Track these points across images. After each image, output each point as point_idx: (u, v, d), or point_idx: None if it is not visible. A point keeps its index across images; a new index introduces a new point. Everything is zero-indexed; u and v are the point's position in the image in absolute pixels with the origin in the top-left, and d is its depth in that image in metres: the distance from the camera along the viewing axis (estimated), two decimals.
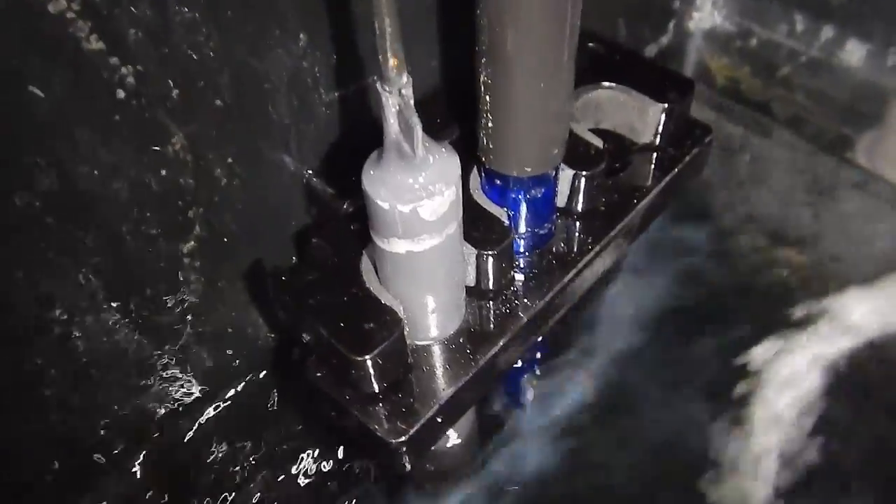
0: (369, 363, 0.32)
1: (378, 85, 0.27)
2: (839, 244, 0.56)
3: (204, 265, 0.36)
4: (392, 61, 0.27)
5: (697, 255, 0.57)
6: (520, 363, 0.51)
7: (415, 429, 0.33)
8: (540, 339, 0.41)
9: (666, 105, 0.41)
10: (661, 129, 0.42)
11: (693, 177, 0.45)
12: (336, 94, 0.37)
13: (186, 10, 0.29)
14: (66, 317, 0.32)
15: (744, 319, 0.55)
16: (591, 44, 0.45)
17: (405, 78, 0.27)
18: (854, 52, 0.56)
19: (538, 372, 0.50)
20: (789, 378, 0.52)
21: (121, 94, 0.29)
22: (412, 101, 0.27)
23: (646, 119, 0.42)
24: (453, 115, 0.42)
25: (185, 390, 0.41)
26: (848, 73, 0.57)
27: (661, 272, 0.55)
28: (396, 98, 0.27)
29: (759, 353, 0.53)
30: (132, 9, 0.27)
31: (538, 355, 0.51)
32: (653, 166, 0.44)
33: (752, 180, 0.61)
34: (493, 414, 0.51)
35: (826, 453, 0.49)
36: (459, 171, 0.30)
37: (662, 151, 0.43)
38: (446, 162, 0.29)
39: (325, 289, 0.34)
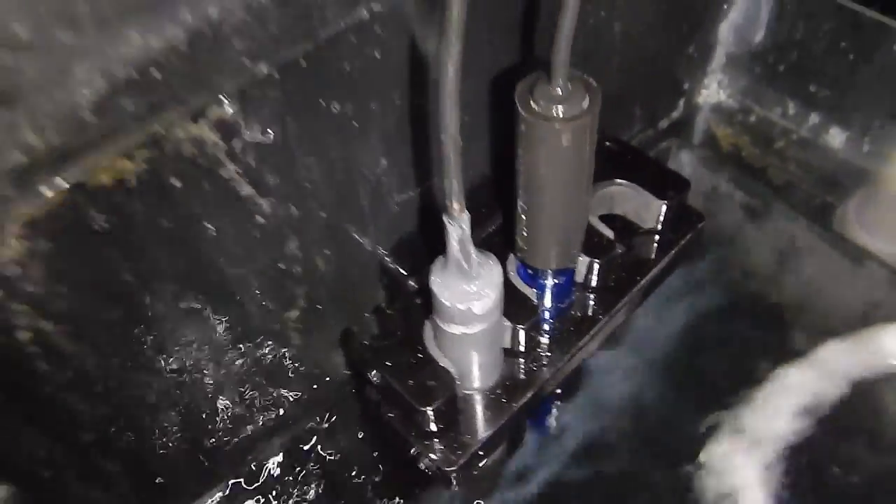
0: (430, 412, 0.43)
1: (444, 218, 0.38)
2: (812, 298, 0.66)
3: (303, 327, 0.48)
4: (457, 206, 0.37)
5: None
6: None
7: (463, 460, 0.45)
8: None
9: (666, 202, 0.52)
10: (661, 218, 0.53)
11: (689, 254, 0.56)
12: (405, 195, 0.48)
13: (306, 156, 0.40)
14: (204, 359, 0.44)
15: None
16: (608, 143, 0.55)
17: (465, 216, 0.38)
18: (836, 137, 0.65)
19: (558, 404, 0.61)
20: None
21: (260, 220, 0.40)
22: (469, 233, 0.38)
23: (650, 210, 0.53)
24: (497, 203, 0.52)
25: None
26: (831, 153, 0.66)
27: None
28: (458, 230, 0.38)
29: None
30: (273, 164, 0.38)
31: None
32: (655, 245, 0.54)
33: (742, 238, 0.70)
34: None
35: None
36: (502, 279, 0.41)
37: (663, 235, 0.54)
38: (492, 273, 0.40)
39: (397, 352, 0.45)
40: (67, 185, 0.31)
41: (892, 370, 0.59)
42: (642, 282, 0.52)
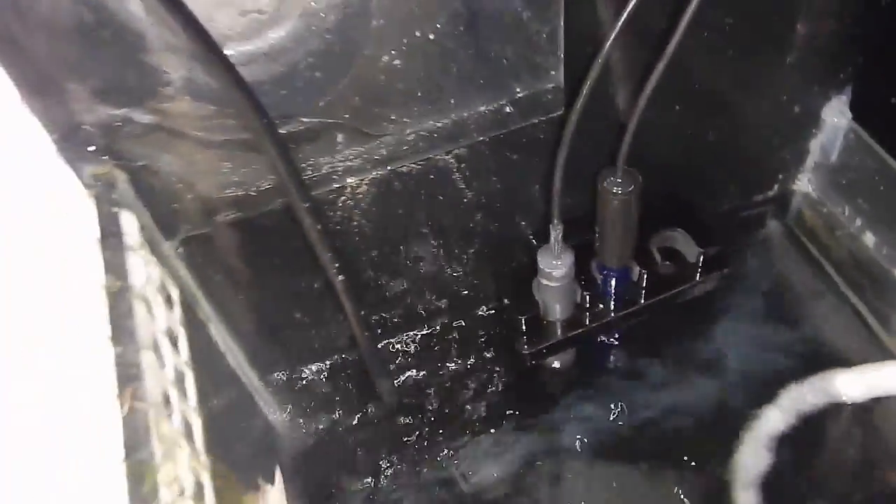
0: (522, 320, 0.83)
1: (551, 226, 0.77)
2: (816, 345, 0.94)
3: (475, 259, 0.89)
4: (556, 220, 0.75)
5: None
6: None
7: (533, 349, 0.84)
8: (614, 335, 0.89)
9: (703, 250, 0.85)
10: (700, 259, 0.86)
11: (713, 284, 0.88)
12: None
13: (494, 176, 0.80)
14: (420, 260, 0.87)
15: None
16: (680, 204, 0.89)
17: (559, 226, 0.76)
18: (870, 239, 0.92)
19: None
20: None
21: (464, 199, 0.81)
22: (560, 234, 0.76)
23: (693, 252, 0.86)
24: (591, 226, 0.89)
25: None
26: (866, 249, 0.93)
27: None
28: (554, 232, 0.76)
29: None
30: (477, 176, 0.79)
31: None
32: (698, 271, 0.88)
33: (796, 289, 0.99)
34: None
35: None
36: (573, 261, 0.79)
37: (701, 270, 0.87)
38: (569, 258, 0.78)
39: (518, 289, 0.85)
40: (389, 169, 0.75)
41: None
42: (673, 291, 0.86)
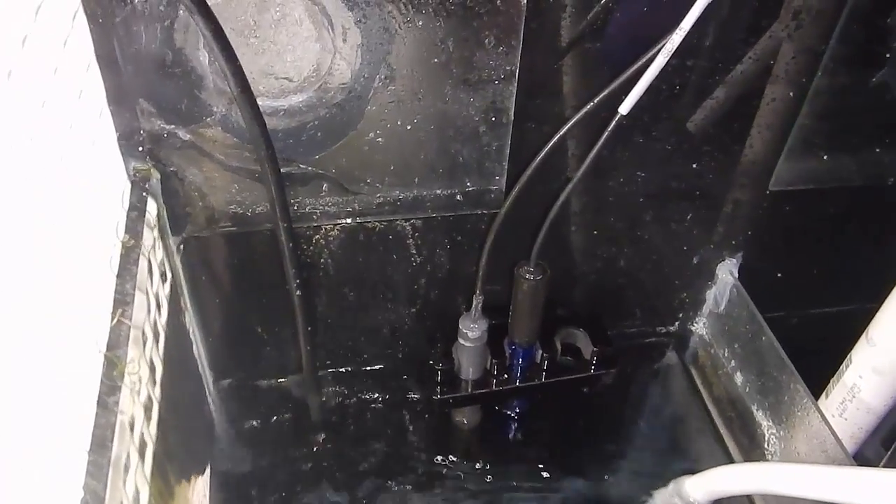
0: (439, 371, 1.00)
1: (474, 296, 0.96)
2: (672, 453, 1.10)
3: (414, 320, 1.08)
4: (478, 292, 0.95)
5: None
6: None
7: (444, 396, 1.01)
8: (515, 408, 1.06)
9: (595, 348, 1.04)
10: (593, 355, 1.04)
11: (603, 380, 1.06)
12: (488, 287, 1.06)
13: (443, 249, 1.00)
14: (371, 302, 1.06)
15: None
16: (591, 315, 1.08)
17: (481, 297, 0.95)
18: (739, 378, 1.10)
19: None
20: None
21: (413, 262, 1.01)
22: (479, 304, 0.95)
23: (588, 349, 1.05)
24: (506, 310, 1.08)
25: None
26: (735, 385, 1.11)
27: None
28: (476, 301, 0.95)
29: None
30: (424, 243, 0.99)
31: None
32: (591, 367, 1.06)
33: (674, 409, 1.16)
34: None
35: None
36: (486, 328, 0.97)
37: (594, 365, 1.05)
38: (483, 324, 0.97)
39: (445, 345, 1.03)
40: (358, 221, 0.95)
41: None
42: (564, 377, 1.04)
